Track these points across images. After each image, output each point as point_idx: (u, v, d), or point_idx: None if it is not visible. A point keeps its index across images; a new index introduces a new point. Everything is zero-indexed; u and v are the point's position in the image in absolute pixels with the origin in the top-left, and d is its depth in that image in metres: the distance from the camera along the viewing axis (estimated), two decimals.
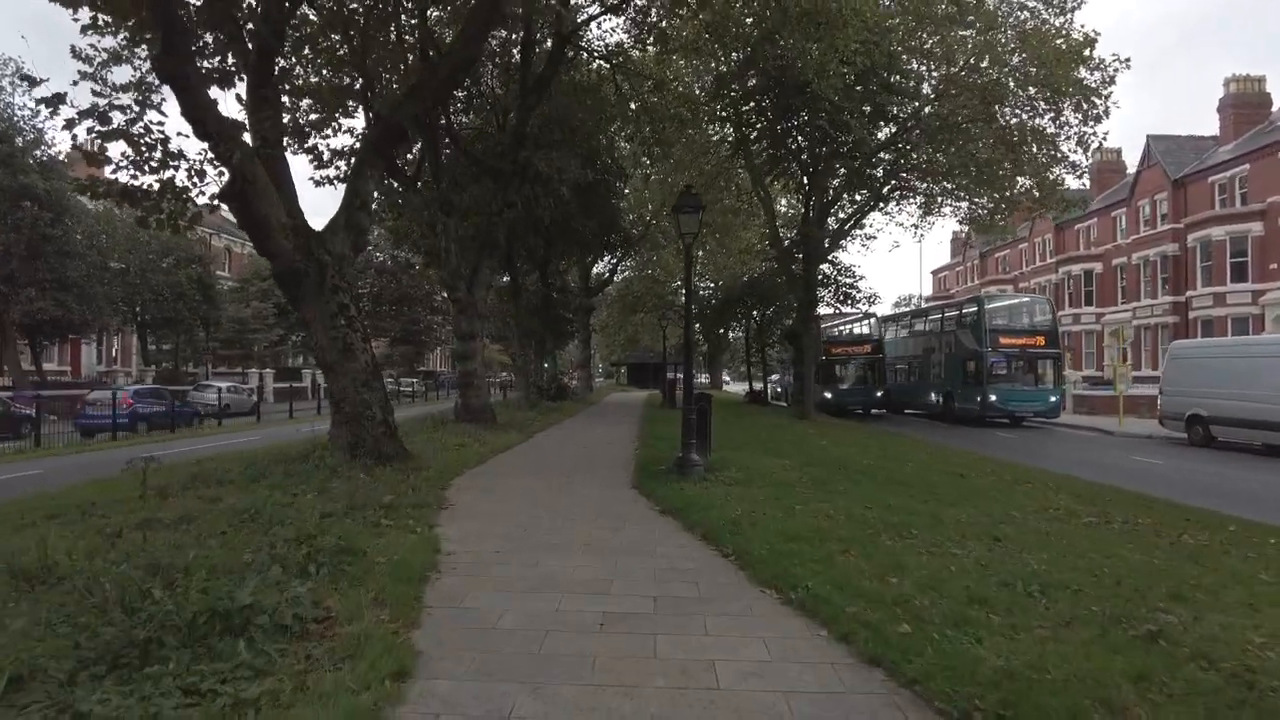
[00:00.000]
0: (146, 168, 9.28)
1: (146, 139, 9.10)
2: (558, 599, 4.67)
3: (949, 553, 5.66)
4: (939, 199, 26.83)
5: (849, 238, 26.78)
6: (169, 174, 9.51)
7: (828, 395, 26.71)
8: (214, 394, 29.12)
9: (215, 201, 9.91)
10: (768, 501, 7.74)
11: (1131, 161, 41.66)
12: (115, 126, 8.73)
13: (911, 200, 28.50)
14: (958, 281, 61.15)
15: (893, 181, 24.87)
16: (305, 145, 16.23)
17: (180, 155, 9.55)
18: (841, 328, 30.26)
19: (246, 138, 10.08)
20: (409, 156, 18.92)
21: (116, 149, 9.02)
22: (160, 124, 9.22)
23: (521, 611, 4.42)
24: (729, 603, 4.67)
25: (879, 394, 27.08)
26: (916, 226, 38.01)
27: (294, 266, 10.25)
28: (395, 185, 18.53)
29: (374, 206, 19.92)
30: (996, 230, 28.32)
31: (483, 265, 16.21)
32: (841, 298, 24.86)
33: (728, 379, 68.40)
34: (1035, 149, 21.76)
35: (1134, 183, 39.01)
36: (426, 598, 4.58)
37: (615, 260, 40.83)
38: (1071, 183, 23.81)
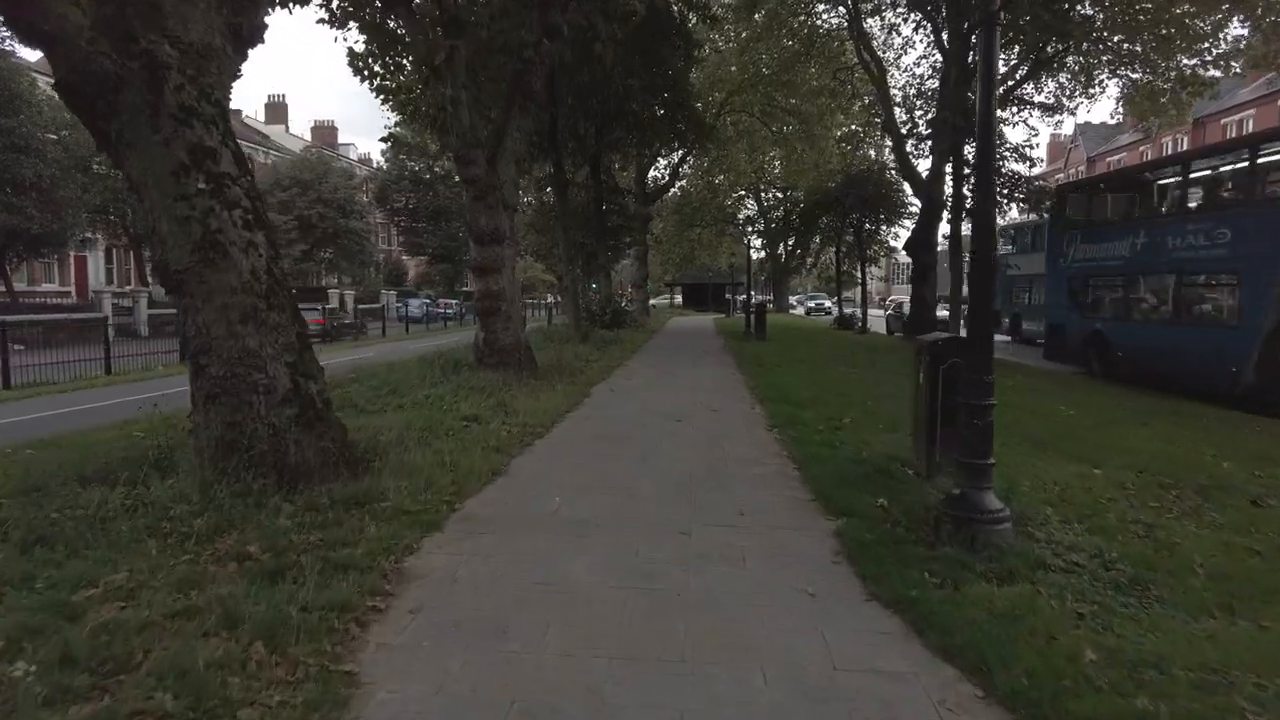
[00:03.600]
0: None
1: None
2: None
3: None
4: (1098, 72, 19.82)
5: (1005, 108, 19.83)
6: None
7: None
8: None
9: None
10: None
11: None
12: None
13: (1056, 77, 21.56)
14: None
15: (1053, 41, 17.79)
16: None
17: None
18: None
19: None
20: None
21: None
22: None
23: None
24: None
25: None
26: (1056, 108, 30.24)
27: (94, 67, 4.76)
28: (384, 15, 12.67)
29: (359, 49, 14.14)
30: (1172, 109, 20.95)
31: (510, 127, 10.37)
32: (1008, 193, 17.85)
33: (795, 303, 61.88)
34: None
35: None
36: None
37: (678, 160, 34.17)
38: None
